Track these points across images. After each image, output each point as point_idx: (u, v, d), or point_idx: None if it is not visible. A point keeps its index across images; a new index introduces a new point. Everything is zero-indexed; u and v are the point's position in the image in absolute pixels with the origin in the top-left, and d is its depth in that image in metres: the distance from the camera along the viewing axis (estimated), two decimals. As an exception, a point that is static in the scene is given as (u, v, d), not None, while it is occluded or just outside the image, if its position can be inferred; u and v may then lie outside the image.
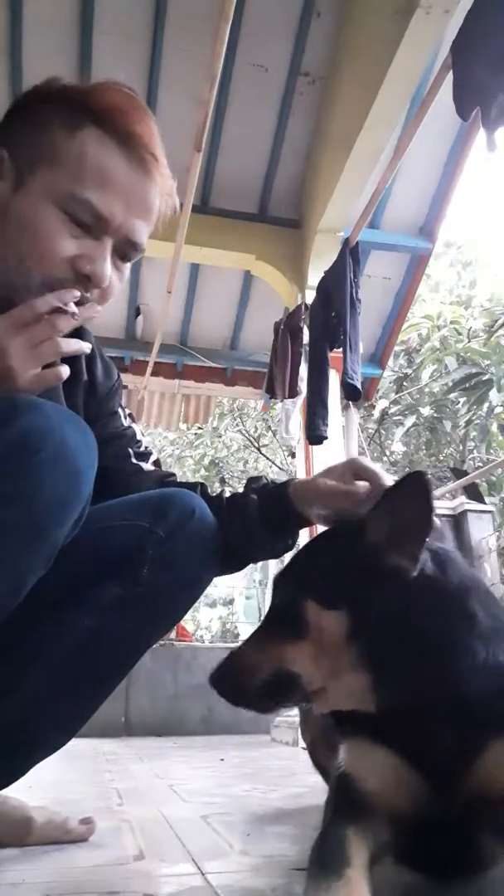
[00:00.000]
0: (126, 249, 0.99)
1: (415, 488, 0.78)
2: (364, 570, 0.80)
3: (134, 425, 1.25)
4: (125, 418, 1.24)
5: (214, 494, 1.15)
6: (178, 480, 1.23)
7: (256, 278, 4.80)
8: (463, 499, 5.11)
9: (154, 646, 1.13)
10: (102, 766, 2.40)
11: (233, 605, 14.11)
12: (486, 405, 7.37)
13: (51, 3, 3.64)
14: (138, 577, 0.99)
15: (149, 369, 5.14)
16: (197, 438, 11.35)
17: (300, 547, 0.98)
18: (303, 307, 3.99)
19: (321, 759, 1.27)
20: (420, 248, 4.57)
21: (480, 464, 7.78)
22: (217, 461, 11.42)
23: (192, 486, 1.15)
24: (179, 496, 1.06)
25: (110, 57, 3.79)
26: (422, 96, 3.07)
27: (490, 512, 5.19)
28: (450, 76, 2.51)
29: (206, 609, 15.34)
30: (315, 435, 3.57)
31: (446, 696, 0.75)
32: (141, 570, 1.00)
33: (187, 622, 13.89)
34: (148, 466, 1.21)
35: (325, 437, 3.59)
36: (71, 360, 1.04)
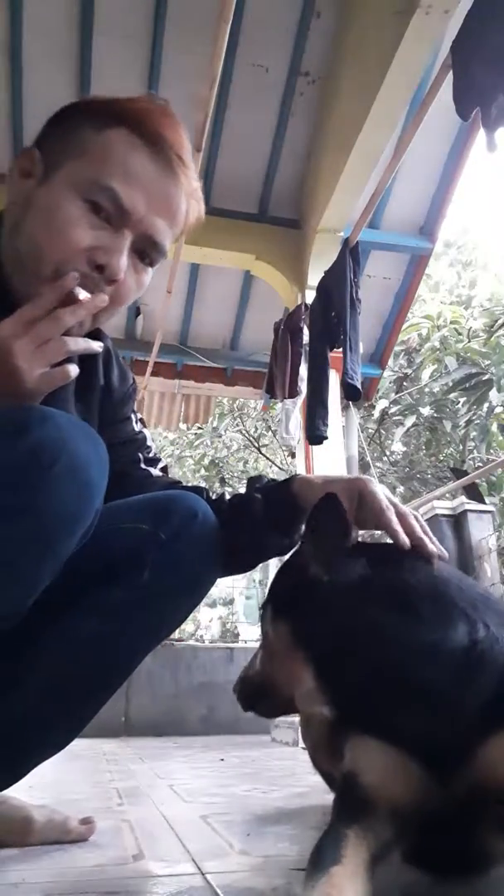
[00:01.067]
0: (146, 248, 0.98)
1: (326, 508, 0.88)
2: (296, 582, 0.90)
3: (145, 430, 1.25)
4: (137, 423, 1.24)
5: (216, 496, 1.15)
6: (184, 485, 1.23)
7: (256, 278, 4.80)
8: (463, 499, 5.11)
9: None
10: (102, 766, 2.40)
11: (233, 605, 14.10)
12: (486, 405, 7.37)
13: (51, 3, 3.63)
14: (140, 580, 0.99)
15: (149, 369, 5.14)
16: (197, 438, 11.34)
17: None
18: (303, 307, 3.99)
19: (322, 763, 1.27)
20: (420, 248, 4.57)
21: (480, 464, 7.78)
22: (217, 461, 11.42)
23: (196, 491, 1.15)
24: (182, 499, 1.06)
25: (110, 57, 3.79)
26: (422, 96, 3.07)
27: (490, 512, 5.19)
28: (450, 76, 2.51)
29: (206, 609, 15.34)
30: (315, 435, 3.57)
31: (396, 686, 0.75)
32: (143, 573, 0.99)
33: (187, 622, 13.89)
34: (156, 472, 1.21)
35: (325, 437, 3.60)
36: (88, 364, 1.04)
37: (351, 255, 3.57)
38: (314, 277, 4.03)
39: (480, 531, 4.89)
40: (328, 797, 1.42)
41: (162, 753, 2.96)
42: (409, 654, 0.76)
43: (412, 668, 0.76)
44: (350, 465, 4.32)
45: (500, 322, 7.43)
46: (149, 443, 1.24)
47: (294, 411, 3.95)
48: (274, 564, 5.24)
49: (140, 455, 1.21)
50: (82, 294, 0.86)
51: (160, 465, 1.24)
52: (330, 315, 3.63)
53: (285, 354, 4.02)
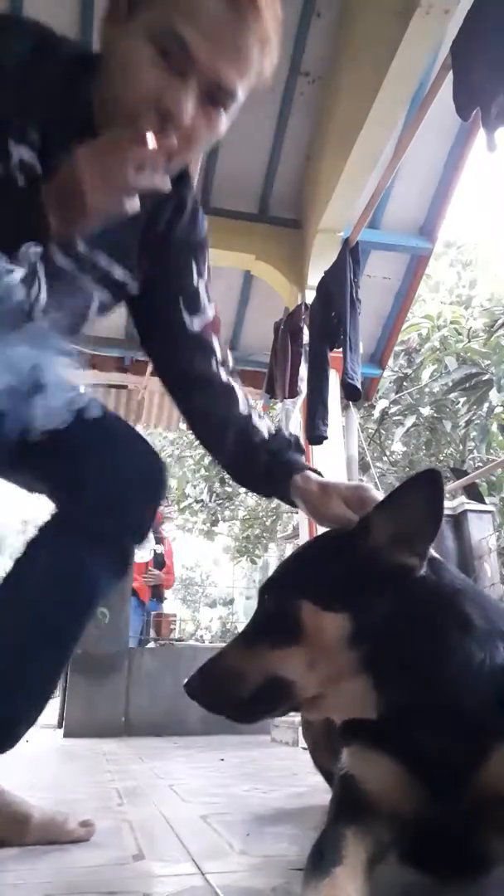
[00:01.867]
0: (215, 93, 1.00)
1: (427, 485, 0.75)
2: (367, 571, 0.77)
3: (203, 290, 1.28)
4: (197, 280, 1.26)
5: (241, 414, 1.22)
6: (225, 378, 1.26)
7: (256, 278, 4.80)
8: (463, 499, 5.11)
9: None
10: (102, 766, 2.40)
11: (233, 605, 14.12)
12: (486, 405, 7.37)
13: (51, 2, 3.64)
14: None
15: (149, 369, 5.13)
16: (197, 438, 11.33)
17: (287, 556, 0.97)
18: (303, 307, 3.99)
19: (323, 761, 1.27)
20: (420, 248, 4.57)
21: (480, 464, 7.78)
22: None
23: (227, 393, 1.24)
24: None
25: (110, 57, 3.79)
26: (422, 96, 3.07)
27: (490, 512, 5.19)
28: (450, 76, 2.51)
29: (206, 609, 15.34)
30: (315, 435, 3.57)
31: (447, 700, 0.73)
32: None
33: (187, 622, 13.88)
34: (195, 328, 1.24)
35: (325, 437, 3.60)
36: (148, 200, 1.08)
37: (351, 255, 3.58)
38: (314, 277, 4.03)
39: (480, 531, 4.89)
40: (328, 797, 1.42)
41: (162, 753, 2.96)
42: (467, 673, 0.73)
43: (464, 688, 0.73)
44: (350, 464, 4.32)
45: (500, 322, 7.43)
46: (203, 300, 1.27)
47: (294, 411, 3.95)
48: (275, 565, 5.22)
49: (183, 307, 1.24)
50: (150, 139, 0.90)
51: (204, 317, 1.26)
52: (330, 315, 3.63)
53: (285, 354, 4.02)
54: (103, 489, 1.07)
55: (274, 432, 1.22)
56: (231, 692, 0.80)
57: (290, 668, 0.76)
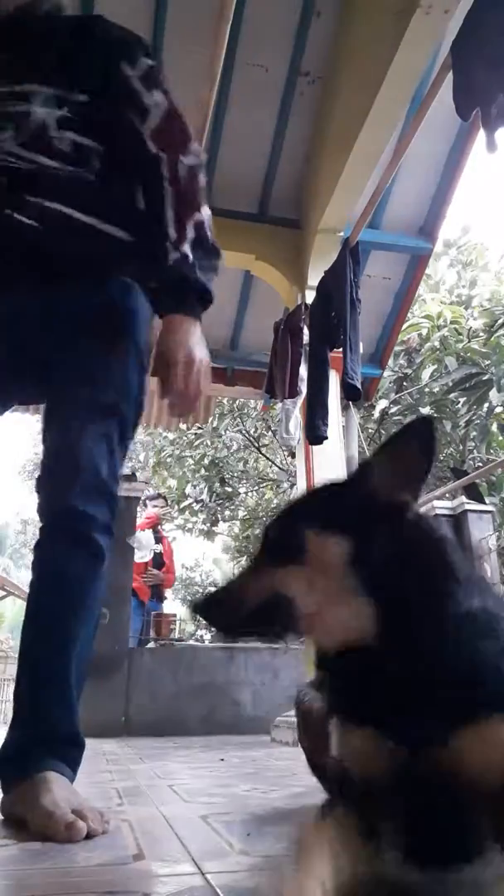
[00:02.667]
0: None
1: (421, 431, 0.82)
2: (367, 505, 0.82)
3: (138, 82, 1.47)
4: (139, 82, 1.45)
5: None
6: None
7: (256, 278, 4.80)
8: (463, 499, 5.11)
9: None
10: (102, 766, 2.40)
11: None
12: (486, 405, 7.36)
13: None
14: None
15: (149, 369, 5.13)
16: (197, 438, 11.33)
17: (290, 500, 0.98)
18: (303, 307, 3.99)
19: (321, 757, 1.27)
20: (420, 248, 4.57)
21: (480, 464, 7.78)
22: (217, 461, 11.41)
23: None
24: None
25: (110, 57, 3.79)
26: (422, 96, 3.08)
27: (490, 512, 5.20)
28: (450, 76, 2.51)
29: (206, 609, 15.32)
30: (315, 435, 3.57)
31: (432, 635, 0.76)
32: None
33: (187, 622, 13.87)
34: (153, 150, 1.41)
35: (325, 437, 3.60)
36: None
37: (351, 255, 3.58)
38: (314, 277, 4.03)
39: (480, 531, 4.90)
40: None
41: (162, 753, 2.96)
42: (451, 613, 0.77)
43: (446, 630, 0.76)
44: (350, 464, 4.31)
45: (500, 322, 7.43)
46: (141, 95, 1.44)
47: (294, 411, 3.95)
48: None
49: (133, 118, 1.38)
50: None
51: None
52: (330, 315, 3.63)
53: (285, 354, 4.02)
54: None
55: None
56: (236, 608, 0.83)
57: (292, 585, 0.81)
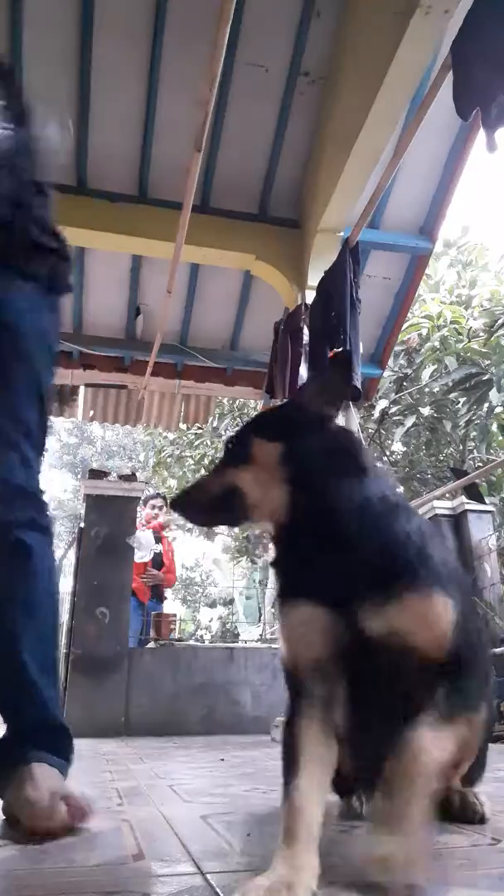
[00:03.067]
0: None
1: (341, 366, 1.22)
2: (298, 417, 1.07)
3: None
4: None
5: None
6: None
7: (256, 278, 4.80)
8: (463, 499, 5.11)
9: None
10: (102, 766, 2.40)
11: (233, 605, 14.10)
12: (486, 405, 7.36)
13: (51, 3, 3.64)
14: None
15: (149, 369, 5.14)
16: (197, 438, 11.33)
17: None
18: (303, 307, 3.99)
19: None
20: (420, 248, 4.57)
21: (480, 464, 7.77)
22: (217, 461, 11.40)
23: None
24: None
25: (110, 57, 3.79)
26: (422, 96, 3.07)
27: (490, 512, 5.19)
28: (450, 76, 2.51)
29: (206, 609, 15.34)
30: (315, 435, 3.57)
31: (339, 513, 0.95)
32: None
33: (187, 622, 13.87)
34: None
35: (325, 437, 3.59)
36: None
37: (351, 255, 3.58)
38: (314, 277, 4.03)
39: (480, 531, 4.90)
40: (327, 797, 1.42)
41: (162, 753, 2.96)
42: (358, 498, 0.97)
43: (354, 510, 0.96)
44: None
45: (500, 322, 7.42)
46: None
47: (294, 411, 3.95)
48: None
49: None
50: None
51: None
52: (330, 315, 3.63)
53: (285, 354, 4.02)
54: None
55: None
56: (203, 501, 1.09)
57: (243, 481, 1.05)
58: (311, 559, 0.96)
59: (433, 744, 0.84)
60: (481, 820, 1.14)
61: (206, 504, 1.08)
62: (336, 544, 0.94)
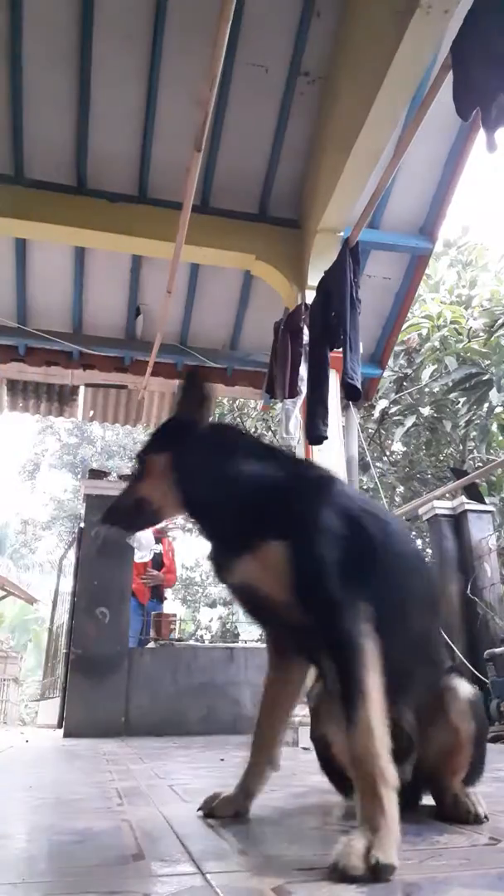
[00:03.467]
0: None
1: (195, 378, 1.31)
2: (175, 429, 1.32)
3: None
4: None
5: None
6: None
7: (256, 278, 4.80)
8: (463, 499, 5.10)
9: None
10: (102, 766, 2.40)
11: (233, 605, 14.10)
12: (486, 405, 7.36)
13: (51, 3, 3.64)
14: None
15: (149, 369, 5.14)
16: (197, 438, 11.33)
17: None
18: (303, 307, 3.99)
19: (332, 755, 1.29)
20: (420, 248, 4.57)
21: (480, 464, 7.77)
22: (217, 461, 11.39)
23: None
24: None
25: (110, 57, 3.79)
26: (422, 96, 3.07)
27: (490, 512, 5.19)
28: (450, 76, 2.51)
29: (205, 609, 15.33)
30: (315, 435, 3.57)
31: (226, 500, 1.20)
32: None
33: (187, 622, 13.87)
34: None
35: (325, 437, 3.59)
36: None
37: (351, 254, 3.57)
38: (314, 277, 4.03)
39: (480, 531, 4.89)
40: (328, 797, 1.42)
41: (162, 753, 2.96)
42: (236, 482, 1.21)
43: (235, 492, 1.20)
44: (350, 464, 4.32)
45: (500, 322, 7.42)
46: None
47: (294, 411, 3.95)
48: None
49: None
50: None
51: None
52: (330, 315, 3.63)
53: (285, 354, 4.02)
54: None
55: None
56: (122, 512, 1.33)
57: (145, 490, 1.29)
58: (208, 532, 1.27)
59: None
60: (476, 820, 1.14)
61: (125, 514, 1.32)
62: (216, 516, 1.24)
